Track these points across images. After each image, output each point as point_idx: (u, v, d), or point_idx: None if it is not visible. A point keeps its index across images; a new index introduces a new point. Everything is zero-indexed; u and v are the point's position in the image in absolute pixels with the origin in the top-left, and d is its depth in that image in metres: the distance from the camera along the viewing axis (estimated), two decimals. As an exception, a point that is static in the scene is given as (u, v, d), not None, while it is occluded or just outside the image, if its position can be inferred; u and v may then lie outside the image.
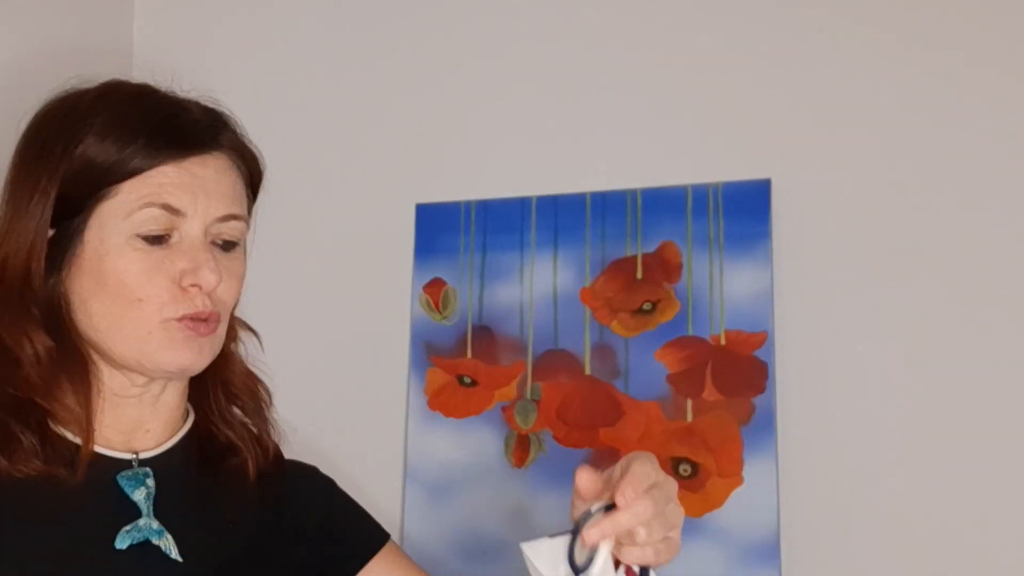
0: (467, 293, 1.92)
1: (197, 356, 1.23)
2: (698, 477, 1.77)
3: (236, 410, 1.34)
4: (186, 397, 1.32)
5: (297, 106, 2.07)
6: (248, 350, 1.38)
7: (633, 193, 1.88)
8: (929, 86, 1.79)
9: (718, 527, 1.74)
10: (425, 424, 1.91)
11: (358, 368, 1.99)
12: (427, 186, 1.98)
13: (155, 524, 1.21)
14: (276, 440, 1.37)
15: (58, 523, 1.18)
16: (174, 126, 1.23)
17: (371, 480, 1.83)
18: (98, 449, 1.23)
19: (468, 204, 1.95)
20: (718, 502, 1.75)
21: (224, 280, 1.23)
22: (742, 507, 1.74)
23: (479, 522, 1.85)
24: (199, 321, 1.22)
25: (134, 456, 1.25)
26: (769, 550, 1.71)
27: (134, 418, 1.26)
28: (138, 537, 1.20)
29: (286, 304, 1.97)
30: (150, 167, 1.21)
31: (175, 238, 1.22)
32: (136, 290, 1.20)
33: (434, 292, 1.94)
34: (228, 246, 1.26)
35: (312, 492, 1.38)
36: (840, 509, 1.75)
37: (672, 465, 1.78)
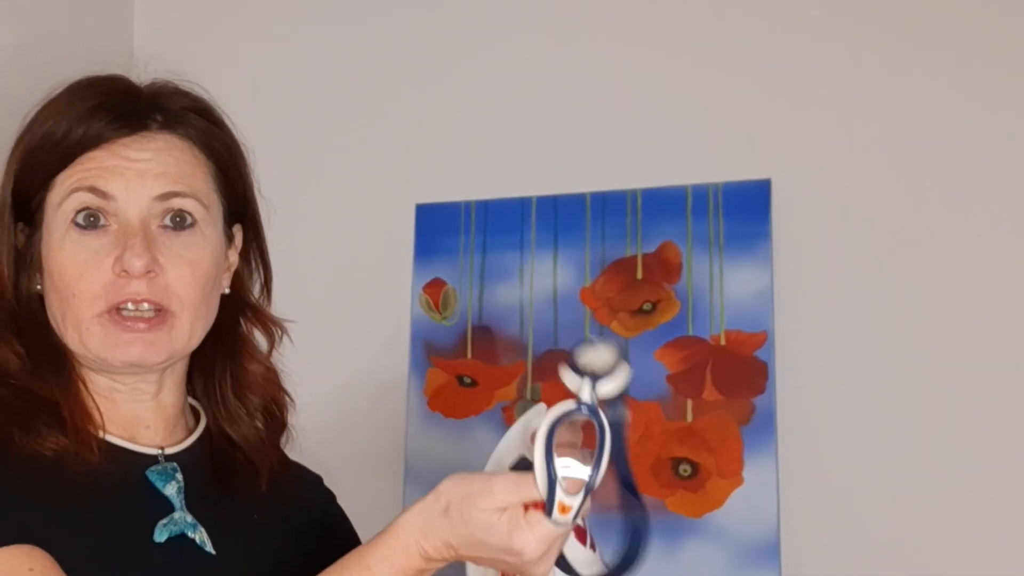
0: (467, 293, 1.92)
1: (145, 350, 1.19)
2: (698, 477, 1.77)
3: (241, 409, 1.33)
4: (184, 392, 1.31)
5: (297, 106, 2.07)
6: (276, 349, 1.36)
7: (633, 193, 1.88)
8: (929, 87, 1.79)
9: (718, 527, 1.74)
10: (425, 424, 1.90)
11: (358, 368, 1.99)
12: (427, 186, 1.98)
13: (189, 518, 1.21)
14: (285, 441, 1.36)
15: (95, 511, 1.17)
16: (104, 108, 1.20)
17: (371, 480, 1.84)
18: (123, 443, 1.23)
19: (468, 204, 1.95)
20: (718, 502, 1.75)
21: (171, 266, 1.19)
22: (742, 507, 1.74)
23: (479, 522, 1.84)
24: (136, 319, 1.18)
25: (160, 451, 1.25)
26: (769, 550, 1.71)
27: (131, 415, 1.25)
28: (175, 530, 1.20)
29: (286, 304, 1.97)
30: (80, 152, 1.19)
31: (112, 225, 1.19)
32: (71, 284, 1.18)
33: (434, 292, 1.94)
34: (180, 226, 1.21)
35: (313, 497, 1.38)
36: (840, 510, 1.75)
37: (672, 465, 1.78)
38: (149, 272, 1.18)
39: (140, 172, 1.19)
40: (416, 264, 1.96)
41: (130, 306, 1.18)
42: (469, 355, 1.91)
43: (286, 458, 1.37)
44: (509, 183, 1.94)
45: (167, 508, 1.21)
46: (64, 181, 1.20)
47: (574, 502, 1.01)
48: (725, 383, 1.78)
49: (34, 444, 1.16)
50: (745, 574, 1.72)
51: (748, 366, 1.77)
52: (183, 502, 1.22)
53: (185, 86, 1.27)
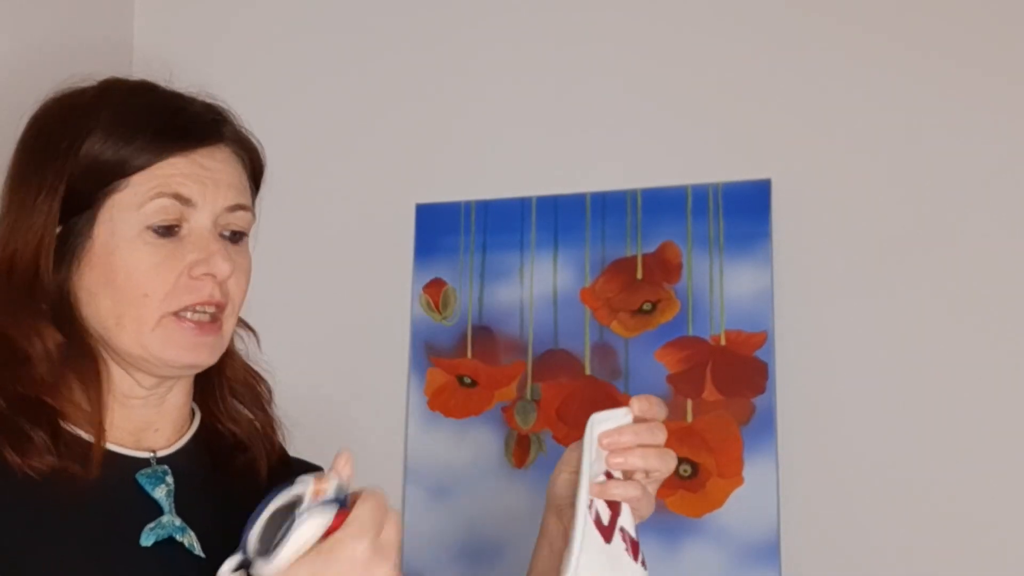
0: (467, 293, 1.92)
1: (206, 354, 1.23)
2: (698, 477, 1.77)
3: (241, 407, 1.34)
4: (191, 396, 1.32)
5: (297, 106, 2.07)
6: (248, 349, 1.38)
7: (633, 193, 1.88)
8: (929, 87, 1.79)
9: (718, 527, 1.74)
10: (425, 424, 1.91)
11: (358, 368, 1.99)
12: (427, 186, 1.98)
13: (178, 521, 1.21)
14: (282, 436, 1.37)
15: (81, 521, 1.18)
16: (180, 118, 1.23)
17: (371, 480, 1.83)
18: (115, 448, 1.23)
19: (468, 204, 1.95)
20: (718, 502, 1.75)
21: (234, 272, 1.23)
22: (742, 507, 1.74)
23: (479, 522, 1.85)
24: (204, 323, 1.22)
25: (152, 455, 1.25)
26: (769, 550, 1.71)
27: (142, 418, 1.26)
28: (162, 534, 1.20)
29: (286, 304, 1.97)
30: (159, 159, 1.21)
31: (184, 230, 1.21)
32: (142, 285, 1.20)
33: (434, 292, 1.94)
34: (236, 237, 1.25)
35: None
36: (840, 510, 1.75)
37: (672, 465, 1.78)
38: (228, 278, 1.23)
39: (215, 182, 1.22)
40: (416, 264, 1.96)
41: (190, 313, 1.21)
42: (469, 355, 1.91)
43: (286, 454, 1.38)
44: (509, 183, 1.94)
45: (157, 512, 1.21)
46: (143, 183, 1.20)
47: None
48: (725, 383, 1.78)
49: (24, 464, 1.16)
50: (745, 574, 1.72)
51: (748, 366, 1.77)
52: (172, 505, 1.22)
53: (214, 99, 1.30)
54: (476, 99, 1.99)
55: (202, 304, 1.21)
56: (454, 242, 1.94)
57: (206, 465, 1.29)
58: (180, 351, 1.21)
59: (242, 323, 1.36)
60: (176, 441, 1.28)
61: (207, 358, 1.24)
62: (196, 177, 1.22)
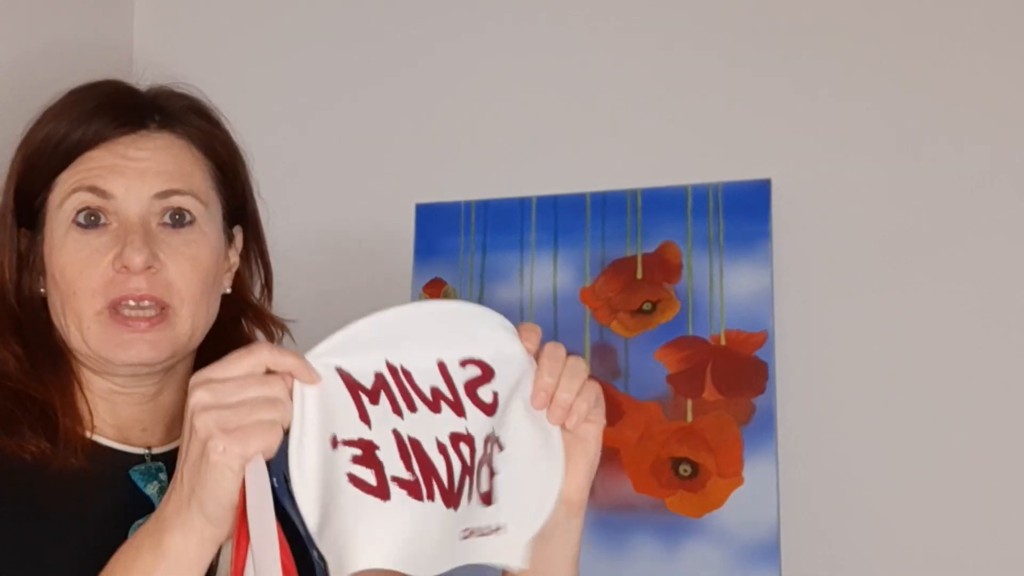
0: (467, 293, 1.92)
1: (147, 350, 1.19)
2: (698, 477, 1.77)
3: None
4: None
5: (297, 106, 2.07)
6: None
7: (633, 193, 1.88)
8: (929, 86, 1.79)
9: (718, 527, 1.74)
10: (425, 424, 1.90)
11: (358, 368, 1.99)
12: (427, 186, 1.98)
13: None
14: None
15: (71, 513, 1.18)
16: (102, 108, 1.21)
17: (371, 480, 1.83)
18: (104, 441, 1.23)
19: (468, 204, 1.95)
20: (718, 502, 1.75)
21: (171, 262, 1.19)
22: (742, 507, 1.74)
23: (479, 522, 1.84)
24: (137, 319, 1.18)
25: (147, 451, 1.25)
26: (769, 550, 1.71)
27: (129, 416, 1.25)
28: None
29: (286, 304, 1.97)
30: (80, 152, 1.20)
31: (113, 224, 1.20)
32: (72, 282, 1.19)
33: (434, 292, 1.94)
34: (179, 223, 1.21)
35: None
36: (840, 509, 1.75)
37: (672, 465, 1.78)
38: (149, 268, 1.18)
39: (140, 171, 1.20)
40: (416, 264, 1.96)
41: (131, 303, 1.18)
42: (469, 355, 1.91)
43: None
44: (509, 183, 1.94)
45: (148, 508, 1.21)
46: (65, 181, 1.21)
47: None
48: (725, 383, 1.78)
49: (14, 447, 1.16)
50: (745, 574, 1.72)
51: (748, 366, 1.77)
52: None
53: (183, 88, 1.28)
54: (476, 99, 1.99)
55: (126, 298, 1.18)
56: (454, 242, 1.94)
57: None
58: (116, 348, 1.19)
59: (267, 320, 1.35)
60: (174, 439, 1.28)
61: (148, 355, 1.19)
62: (116, 168, 1.20)
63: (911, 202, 1.78)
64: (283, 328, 1.36)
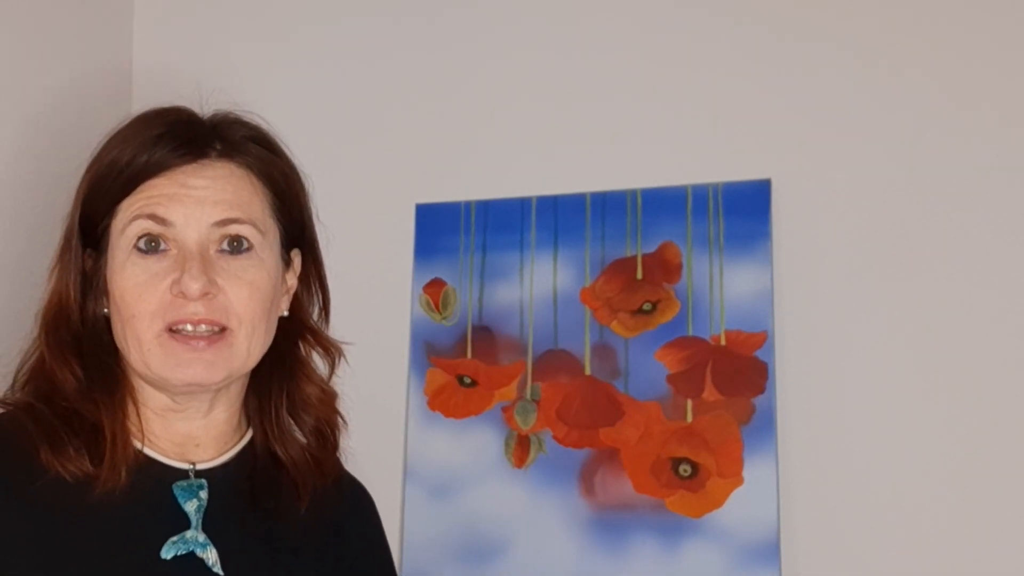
0: (467, 293, 1.92)
1: (205, 370, 1.22)
2: (698, 477, 1.77)
3: (296, 429, 1.34)
4: (240, 411, 1.31)
5: (296, 107, 2.07)
6: (319, 367, 1.37)
7: (633, 193, 1.88)
8: (929, 86, 1.79)
9: (718, 527, 1.74)
10: (425, 424, 1.91)
11: (358, 368, 1.98)
12: (427, 186, 1.98)
13: (201, 537, 1.22)
14: (338, 464, 1.37)
15: (108, 527, 1.19)
16: (166, 137, 1.24)
17: (371, 480, 1.83)
18: (155, 455, 1.25)
19: (468, 204, 1.95)
20: (718, 502, 1.75)
21: (229, 286, 1.23)
22: (742, 507, 1.74)
23: (479, 522, 1.85)
24: (196, 337, 1.22)
25: (191, 467, 1.26)
26: (769, 550, 1.71)
27: (184, 432, 1.27)
28: (183, 548, 1.21)
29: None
30: (143, 180, 1.23)
31: (172, 249, 1.23)
32: (131, 305, 1.22)
33: (434, 292, 1.94)
34: (236, 250, 1.25)
35: (364, 518, 1.41)
36: (840, 509, 1.75)
37: (672, 465, 1.78)
38: (206, 294, 1.21)
39: (199, 200, 1.23)
40: (416, 264, 1.96)
41: (188, 327, 1.22)
42: (469, 355, 1.91)
43: (342, 479, 1.38)
44: (509, 183, 1.94)
45: (185, 524, 1.22)
46: (127, 208, 1.24)
47: None
48: (725, 383, 1.78)
49: (57, 464, 1.18)
50: (745, 574, 1.72)
51: (748, 366, 1.77)
52: (199, 521, 1.22)
53: (246, 116, 1.31)
54: (476, 99, 1.99)
55: (184, 322, 1.21)
56: (454, 242, 1.94)
57: (245, 483, 1.29)
58: (175, 368, 1.22)
59: (325, 342, 1.35)
60: (219, 456, 1.28)
61: (204, 375, 1.23)
62: (175, 197, 1.23)
63: (911, 202, 1.78)
64: (339, 351, 1.38)
